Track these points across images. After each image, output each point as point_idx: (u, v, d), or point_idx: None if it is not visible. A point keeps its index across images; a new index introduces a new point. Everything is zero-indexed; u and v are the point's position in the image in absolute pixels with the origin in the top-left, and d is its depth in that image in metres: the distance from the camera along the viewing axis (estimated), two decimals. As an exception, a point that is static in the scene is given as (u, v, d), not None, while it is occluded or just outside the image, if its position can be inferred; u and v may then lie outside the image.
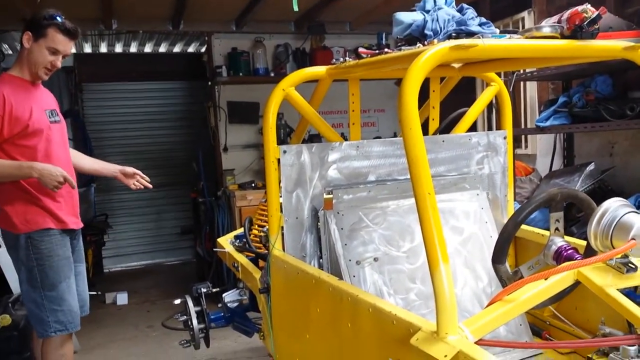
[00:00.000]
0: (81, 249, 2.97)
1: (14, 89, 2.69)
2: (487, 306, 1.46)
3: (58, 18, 2.70)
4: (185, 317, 2.77)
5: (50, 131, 2.75)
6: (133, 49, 7.24)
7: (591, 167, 3.43)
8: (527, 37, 1.69)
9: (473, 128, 4.83)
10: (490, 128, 4.83)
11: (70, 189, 2.76)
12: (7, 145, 2.66)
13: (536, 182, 3.86)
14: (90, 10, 4.91)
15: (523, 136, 4.45)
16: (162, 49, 7.29)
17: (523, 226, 2.42)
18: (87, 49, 7.10)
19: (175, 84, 7.46)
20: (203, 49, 6.77)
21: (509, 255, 2.57)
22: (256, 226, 3.04)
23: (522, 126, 4.40)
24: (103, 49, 7.17)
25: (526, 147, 4.49)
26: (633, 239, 1.45)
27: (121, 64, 7.37)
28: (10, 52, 6.85)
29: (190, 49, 7.39)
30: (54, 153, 2.74)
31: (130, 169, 3.04)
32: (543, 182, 3.73)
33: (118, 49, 7.21)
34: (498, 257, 1.67)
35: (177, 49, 7.34)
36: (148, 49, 7.26)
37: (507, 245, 1.69)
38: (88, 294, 3.02)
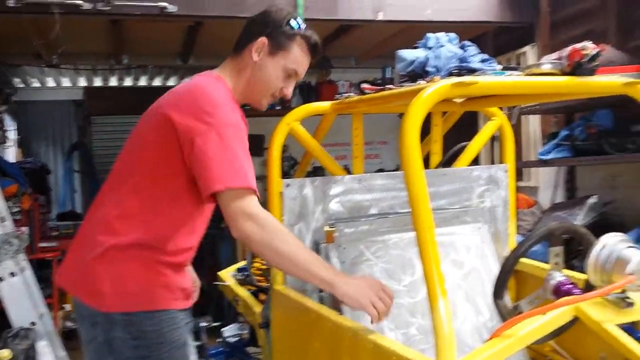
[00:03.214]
0: None
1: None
2: (486, 341, 1.45)
3: (303, 25, 1.86)
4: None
5: None
6: (142, 82, 7.36)
7: (593, 200, 3.43)
8: (527, 74, 1.72)
9: (477, 160, 4.88)
10: (494, 160, 4.85)
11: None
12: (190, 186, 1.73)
13: (538, 214, 3.86)
14: (102, 45, 5.03)
15: (526, 169, 4.47)
16: (172, 82, 7.41)
17: (525, 260, 2.43)
18: (97, 82, 7.23)
19: (183, 116, 7.55)
20: (211, 82, 6.88)
21: (511, 289, 2.58)
22: (259, 259, 3.05)
23: (526, 159, 4.42)
24: (113, 82, 7.30)
25: (529, 179, 4.50)
26: (631, 274, 1.45)
27: (131, 97, 7.47)
28: (22, 85, 6.99)
29: (199, 82, 7.50)
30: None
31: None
32: (545, 214, 3.73)
33: (128, 82, 7.34)
34: (498, 292, 1.68)
35: (185, 82, 7.46)
36: (157, 82, 7.38)
37: (507, 279, 1.70)
38: None
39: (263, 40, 1.81)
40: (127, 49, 5.25)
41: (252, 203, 1.65)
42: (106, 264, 1.70)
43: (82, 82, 7.15)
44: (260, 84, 1.86)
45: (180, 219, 1.78)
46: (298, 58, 1.85)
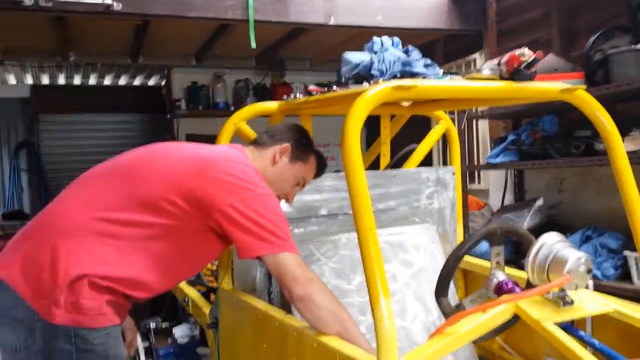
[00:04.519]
0: None
1: None
2: (428, 339, 1.47)
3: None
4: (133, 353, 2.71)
5: None
6: (92, 81, 7.19)
7: (540, 202, 3.53)
8: (467, 79, 1.75)
9: (429, 162, 4.96)
10: (446, 162, 4.94)
11: None
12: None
13: (488, 216, 3.94)
14: (47, 41, 4.87)
15: (476, 172, 4.57)
16: (122, 81, 7.27)
17: (473, 259, 2.48)
18: (45, 80, 7.02)
19: (134, 116, 7.43)
20: (164, 82, 6.78)
21: (460, 287, 2.63)
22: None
23: (475, 162, 4.52)
24: (61, 80, 7.11)
25: (479, 182, 4.60)
26: (568, 273, 1.50)
27: (79, 95, 7.31)
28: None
29: (151, 82, 7.38)
30: None
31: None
32: (494, 216, 3.81)
33: (77, 80, 7.16)
34: (440, 291, 1.70)
35: (137, 81, 7.32)
36: (108, 81, 7.22)
37: (449, 279, 1.72)
38: None
39: (287, 146, 2.02)
40: (74, 46, 5.11)
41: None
42: (66, 277, 1.68)
43: (29, 80, 6.94)
44: (273, 181, 1.98)
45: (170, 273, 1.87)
46: (310, 171, 2.09)
